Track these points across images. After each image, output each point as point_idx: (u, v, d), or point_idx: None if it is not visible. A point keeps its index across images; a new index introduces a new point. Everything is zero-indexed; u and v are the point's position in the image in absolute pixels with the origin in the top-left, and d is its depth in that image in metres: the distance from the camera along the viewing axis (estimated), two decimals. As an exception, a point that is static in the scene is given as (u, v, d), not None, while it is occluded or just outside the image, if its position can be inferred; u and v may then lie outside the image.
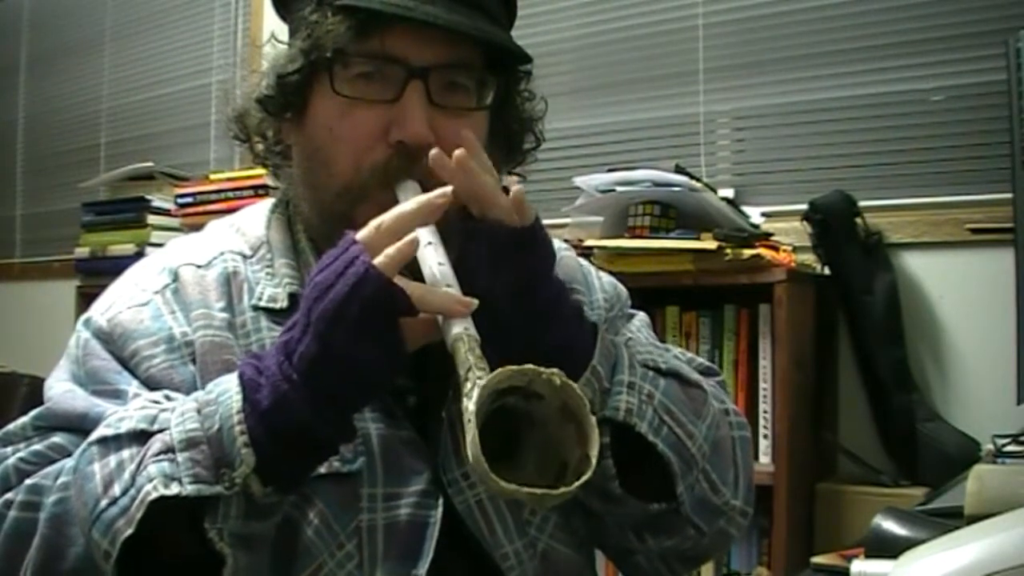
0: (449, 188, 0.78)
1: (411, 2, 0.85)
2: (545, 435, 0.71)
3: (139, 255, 2.45)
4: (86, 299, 2.57)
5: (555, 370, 0.69)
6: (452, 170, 0.80)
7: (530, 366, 0.69)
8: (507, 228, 0.80)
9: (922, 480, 1.83)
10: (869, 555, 1.01)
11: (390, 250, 0.75)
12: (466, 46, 0.89)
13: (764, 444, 1.86)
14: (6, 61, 3.78)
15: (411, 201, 0.80)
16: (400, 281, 0.75)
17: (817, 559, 1.27)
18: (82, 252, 2.73)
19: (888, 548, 0.96)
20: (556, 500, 0.68)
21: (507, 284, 0.80)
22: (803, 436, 1.89)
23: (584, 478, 0.68)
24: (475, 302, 0.76)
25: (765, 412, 1.87)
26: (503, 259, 0.80)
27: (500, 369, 0.68)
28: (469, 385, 0.69)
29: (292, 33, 0.92)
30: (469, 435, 0.66)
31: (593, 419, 0.69)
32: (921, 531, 0.99)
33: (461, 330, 0.74)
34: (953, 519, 1.02)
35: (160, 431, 0.77)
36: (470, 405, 0.67)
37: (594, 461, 0.67)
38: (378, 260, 0.74)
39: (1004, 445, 1.33)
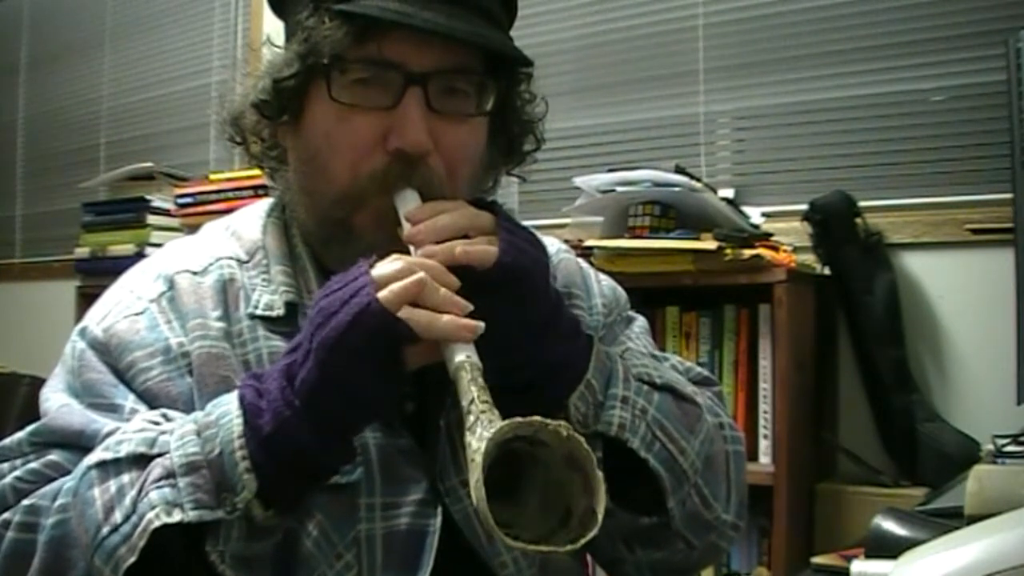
0: (481, 325, 0.76)
1: (409, 8, 0.83)
2: (549, 475, 0.71)
3: (139, 255, 2.45)
4: (86, 299, 2.57)
5: (562, 423, 0.69)
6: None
7: (537, 418, 0.68)
8: (486, 273, 0.79)
9: (922, 480, 1.83)
10: (869, 555, 1.01)
11: (395, 286, 0.75)
12: (465, 51, 0.87)
13: (764, 444, 1.86)
14: (6, 61, 3.78)
15: (430, 265, 0.78)
16: (405, 310, 0.75)
17: (817, 559, 1.27)
18: (82, 252, 2.73)
19: (888, 548, 0.96)
20: (561, 554, 0.68)
21: (503, 305, 0.79)
22: (803, 436, 1.89)
23: (590, 535, 0.67)
24: (481, 325, 0.75)
25: (765, 412, 1.87)
26: (494, 288, 0.79)
27: (507, 421, 0.68)
28: (472, 419, 0.69)
29: (288, 37, 0.91)
30: (473, 478, 0.66)
31: (600, 474, 0.68)
32: (921, 531, 0.99)
33: (463, 357, 0.74)
34: (953, 519, 1.02)
35: (160, 455, 0.77)
36: (474, 442, 0.67)
37: (600, 519, 0.67)
38: (382, 294, 0.74)
39: (1004, 445, 1.33)
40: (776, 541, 1.80)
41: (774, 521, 1.79)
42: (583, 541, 0.67)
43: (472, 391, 0.71)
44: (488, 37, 0.87)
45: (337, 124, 0.87)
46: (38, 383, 0.93)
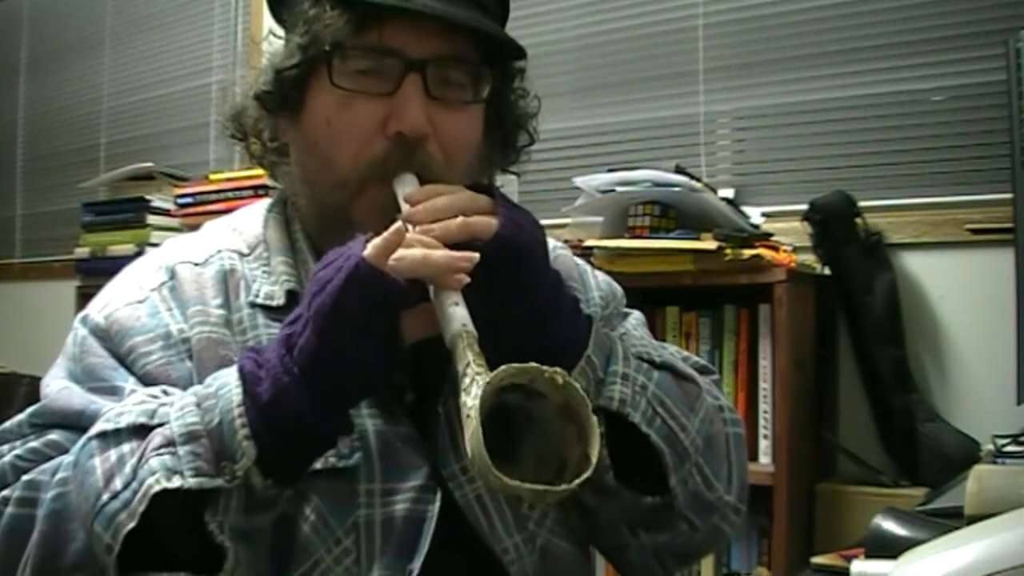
0: (476, 256, 0.77)
1: None
2: (544, 432, 0.71)
3: (139, 255, 2.44)
4: (86, 299, 2.56)
5: (557, 369, 0.70)
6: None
7: (533, 364, 0.69)
8: (485, 247, 0.80)
9: (922, 480, 1.83)
10: (869, 555, 1.01)
11: (377, 240, 0.76)
12: (462, 39, 0.90)
13: (764, 444, 1.86)
14: (6, 61, 3.78)
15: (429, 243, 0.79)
16: (399, 253, 0.76)
17: (817, 559, 1.27)
18: (82, 252, 2.73)
19: (888, 548, 0.96)
20: (556, 497, 0.69)
21: (502, 282, 0.80)
22: (803, 436, 1.89)
23: (584, 476, 0.68)
24: (476, 256, 0.77)
25: (765, 412, 1.87)
26: (492, 265, 0.80)
27: (503, 367, 0.68)
28: (468, 380, 0.70)
29: (289, 29, 0.93)
30: (469, 430, 0.66)
31: (594, 419, 0.69)
32: (921, 531, 0.99)
33: (459, 326, 0.75)
34: (953, 519, 1.02)
35: (160, 425, 0.77)
36: (469, 400, 0.68)
37: (594, 460, 0.68)
38: (367, 252, 0.75)
39: (1004, 445, 1.33)
40: (776, 541, 1.80)
41: (774, 521, 1.79)
42: (578, 483, 0.68)
43: (468, 356, 0.72)
44: (485, 24, 0.89)
45: (338, 111, 0.89)
46: (38, 383, 0.93)
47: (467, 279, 0.77)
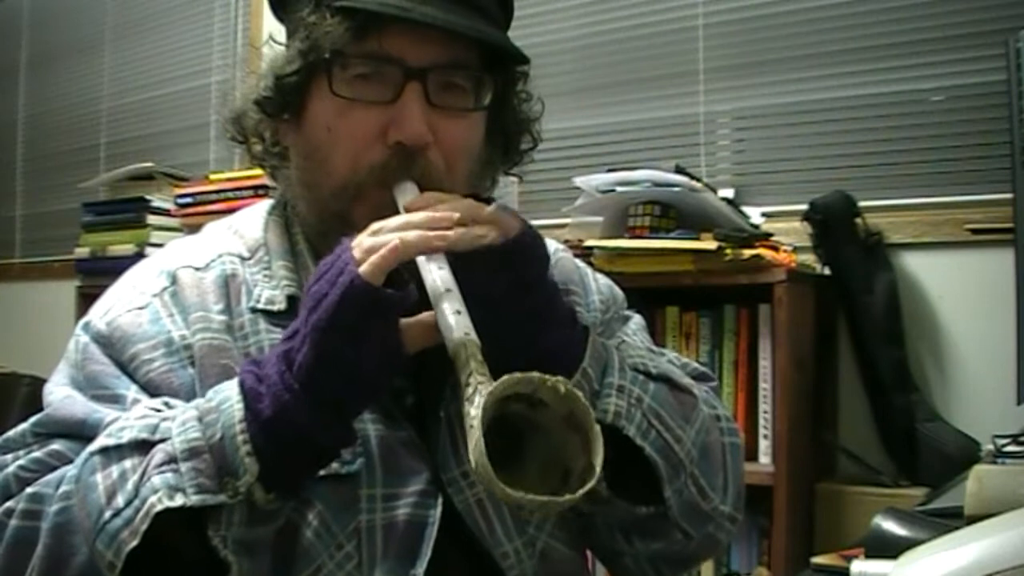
0: (450, 234, 0.77)
1: (408, 3, 0.85)
2: (548, 441, 0.71)
3: (139, 255, 2.45)
4: (86, 299, 2.57)
5: (560, 378, 0.69)
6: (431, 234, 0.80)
7: (536, 373, 0.69)
8: (490, 249, 0.80)
9: (922, 480, 1.83)
10: (869, 555, 1.01)
11: (374, 257, 0.76)
12: (463, 46, 0.89)
13: (764, 444, 1.86)
14: (6, 61, 3.78)
15: (412, 219, 0.79)
16: (377, 236, 0.76)
17: (817, 559, 1.27)
18: (82, 252, 2.73)
19: (888, 548, 0.96)
20: (560, 508, 0.68)
21: (502, 289, 0.80)
22: (803, 436, 1.89)
23: (588, 486, 0.68)
24: (454, 216, 0.77)
25: (765, 412, 1.87)
26: (494, 272, 0.80)
27: (505, 376, 0.68)
28: (470, 390, 0.70)
29: (290, 34, 0.92)
30: (472, 440, 0.66)
31: (597, 428, 0.69)
32: (921, 531, 0.99)
33: (462, 334, 0.74)
34: (953, 519, 1.02)
35: (162, 440, 0.77)
36: (472, 410, 0.68)
37: (598, 470, 0.67)
38: (363, 268, 0.75)
39: (1004, 445, 1.32)
40: (776, 541, 1.80)
41: (774, 521, 1.79)
42: (581, 492, 0.68)
43: (471, 365, 0.72)
44: (486, 32, 0.88)
45: (338, 118, 0.89)
46: (38, 383, 0.93)
47: (451, 236, 0.77)
